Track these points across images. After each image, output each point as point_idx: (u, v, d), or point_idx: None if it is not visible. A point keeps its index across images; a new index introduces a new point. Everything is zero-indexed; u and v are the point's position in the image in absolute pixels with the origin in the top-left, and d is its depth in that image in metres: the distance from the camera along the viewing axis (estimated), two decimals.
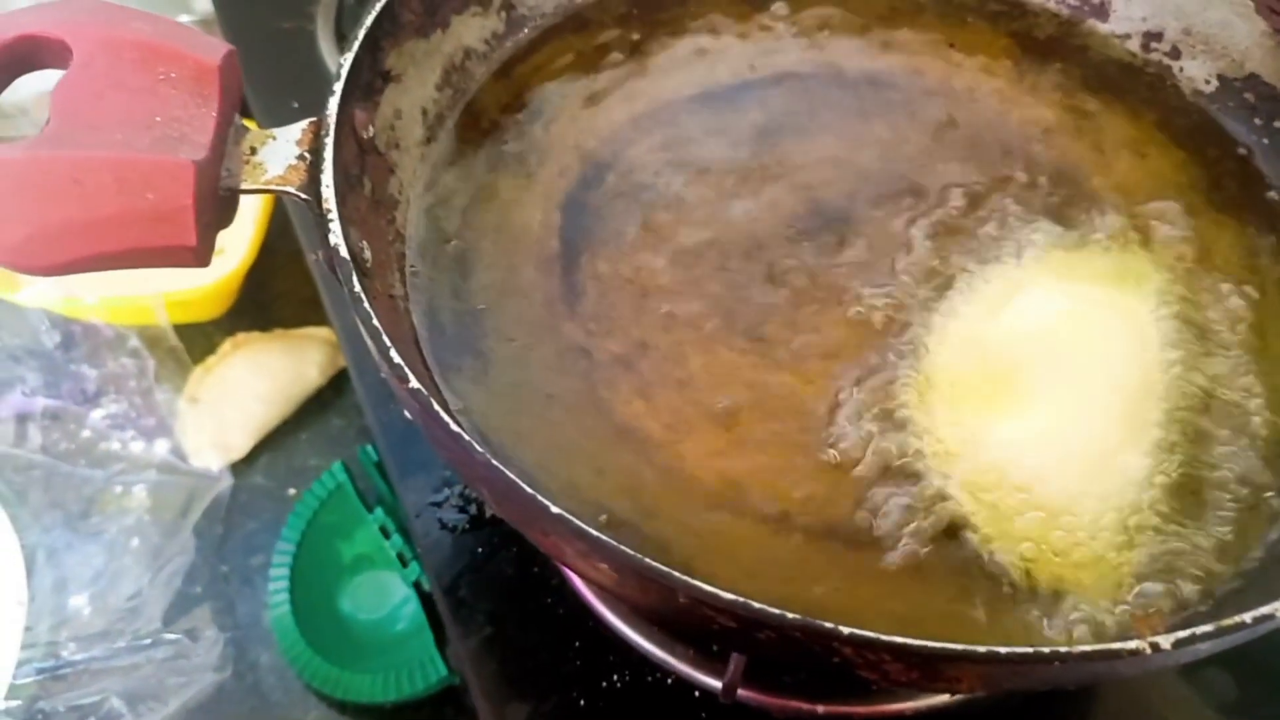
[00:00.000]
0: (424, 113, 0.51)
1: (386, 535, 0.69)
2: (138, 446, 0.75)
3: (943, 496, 0.44)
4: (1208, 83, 0.55)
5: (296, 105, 0.73)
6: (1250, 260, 0.50)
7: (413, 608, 0.66)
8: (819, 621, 0.30)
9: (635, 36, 0.59)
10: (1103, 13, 0.57)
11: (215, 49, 0.41)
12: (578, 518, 0.41)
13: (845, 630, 0.30)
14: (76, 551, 0.70)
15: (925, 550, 0.42)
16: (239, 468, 0.75)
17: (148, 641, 0.66)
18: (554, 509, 0.33)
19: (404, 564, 0.68)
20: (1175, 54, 0.55)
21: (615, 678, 0.51)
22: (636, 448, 0.45)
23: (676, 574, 0.31)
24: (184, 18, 0.94)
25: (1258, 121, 0.53)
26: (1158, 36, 0.56)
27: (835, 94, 0.57)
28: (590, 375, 0.47)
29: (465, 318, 0.47)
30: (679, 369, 0.47)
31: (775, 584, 0.42)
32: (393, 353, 0.35)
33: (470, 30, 0.54)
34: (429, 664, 0.63)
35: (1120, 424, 0.45)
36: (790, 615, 0.31)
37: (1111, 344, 0.48)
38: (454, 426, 0.34)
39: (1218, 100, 0.54)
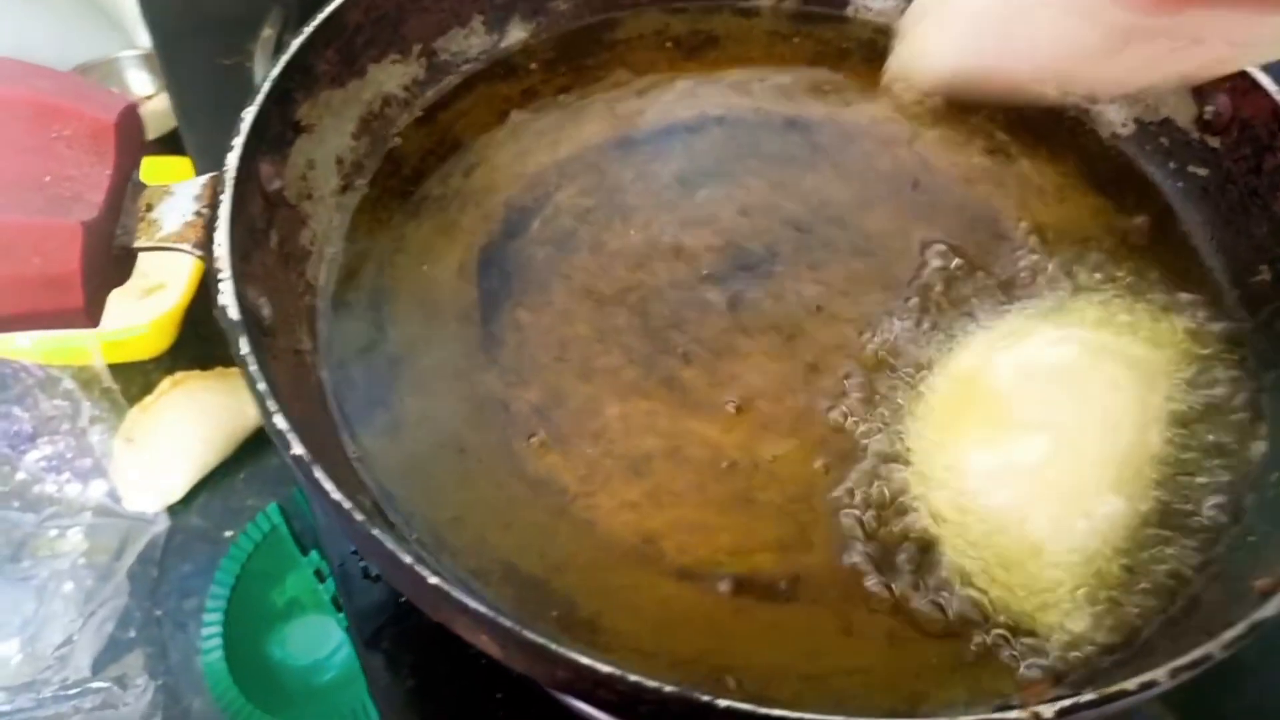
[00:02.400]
0: (339, 162, 0.51)
1: (321, 579, 0.68)
2: (73, 489, 0.74)
3: (896, 532, 0.43)
4: (1124, 126, 0.55)
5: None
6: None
7: (346, 654, 0.65)
8: (693, 693, 0.30)
9: (562, 82, 0.59)
10: None
11: (112, 105, 0.41)
12: (484, 580, 0.41)
13: (722, 703, 0.30)
14: (6, 597, 0.69)
15: (852, 600, 0.42)
16: (175, 509, 0.75)
17: (75, 690, 0.65)
18: (431, 580, 0.32)
19: (338, 608, 0.67)
20: (1092, 99, 0.56)
21: None
22: (550, 501, 0.44)
23: (553, 647, 0.31)
24: (127, 52, 0.94)
25: (1172, 166, 0.53)
26: None
27: (760, 139, 0.57)
28: (505, 427, 0.47)
29: (378, 370, 0.47)
30: (595, 419, 0.47)
31: (685, 642, 0.41)
32: (277, 417, 0.35)
33: (390, 78, 0.54)
34: (361, 713, 0.62)
35: (1100, 470, 0.44)
36: (667, 688, 0.30)
37: (1103, 391, 0.47)
38: (336, 494, 0.33)
39: (1134, 144, 0.55)
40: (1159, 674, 0.31)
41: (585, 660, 0.31)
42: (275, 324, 0.43)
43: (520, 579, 0.41)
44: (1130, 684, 0.31)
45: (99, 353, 0.74)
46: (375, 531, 0.33)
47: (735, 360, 0.49)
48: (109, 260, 0.39)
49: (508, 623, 0.31)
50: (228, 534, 0.74)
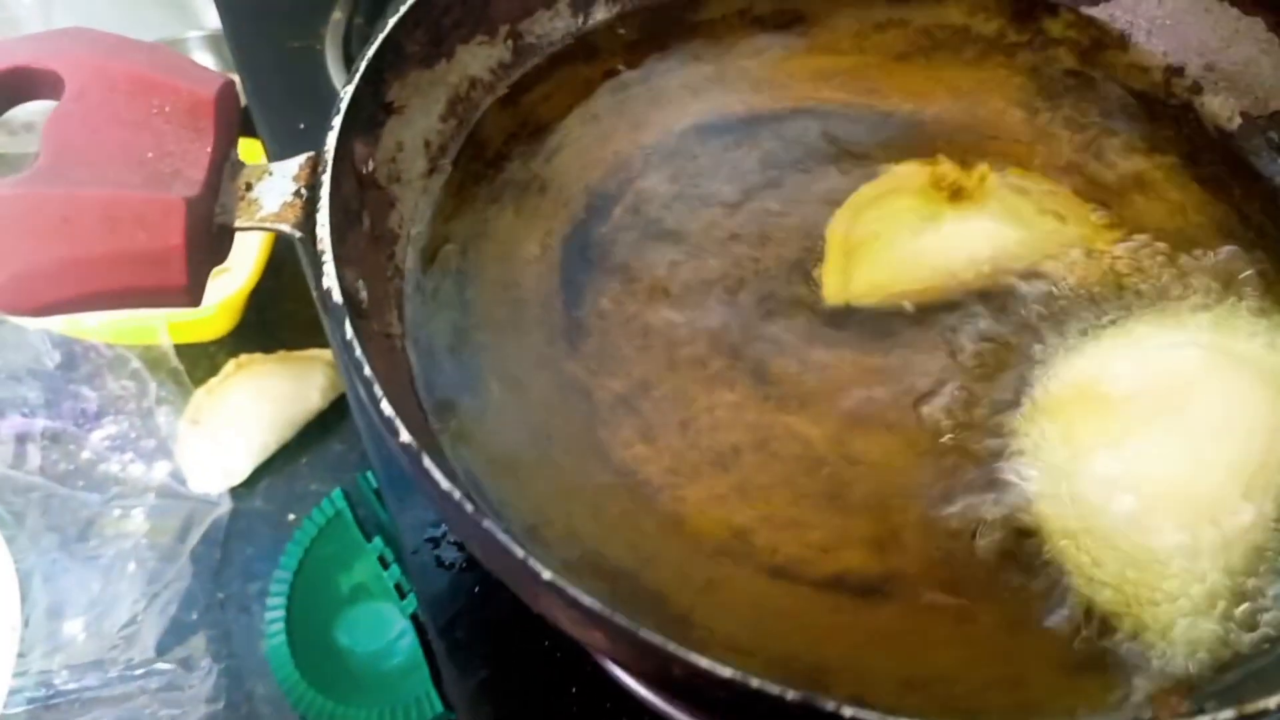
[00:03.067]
0: (427, 144, 0.50)
1: (385, 565, 0.68)
2: (137, 469, 0.74)
3: (999, 526, 0.42)
4: (1230, 120, 0.53)
5: (303, 126, 0.72)
6: None
7: (410, 641, 0.65)
8: (821, 700, 0.29)
9: (645, 64, 0.58)
10: (1123, 45, 0.56)
11: (211, 81, 0.41)
12: (576, 573, 0.41)
13: (847, 712, 0.29)
14: (73, 576, 0.69)
15: (957, 601, 0.41)
16: (239, 492, 0.74)
17: (141, 671, 0.65)
18: (546, 575, 0.31)
19: (402, 595, 0.66)
20: (1197, 89, 0.54)
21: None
22: (636, 493, 0.44)
23: (670, 647, 0.30)
24: (193, 33, 0.94)
25: None
26: (1179, 71, 0.55)
27: (851, 129, 0.56)
28: (590, 416, 0.46)
29: (464, 356, 0.46)
30: (682, 410, 0.46)
31: (780, 641, 0.40)
32: (384, 404, 0.34)
33: (476, 60, 0.53)
34: (425, 701, 0.62)
35: (1228, 477, 0.43)
36: (790, 694, 0.29)
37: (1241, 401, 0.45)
38: (445, 484, 0.33)
39: (1241, 138, 0.53)
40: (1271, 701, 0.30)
41: (704, 663, 0.30)
42: (370, 307, 0.42)
43: (611, 572, 0.41)
44: (1271, 701, 0.29)
45: (166, 333, 0.74)
46: (486, 524, 0.32)
47: (826, 352, 0.47)
48: (209, 238, 0.39)
49: (623, 622, 0.31)
50: (290, 518, 0.74)
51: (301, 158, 0.42)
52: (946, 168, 0.53)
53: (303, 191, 0.41)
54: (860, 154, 0.54)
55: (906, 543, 0.43)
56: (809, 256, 0.51)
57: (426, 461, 0.33)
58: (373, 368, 0.35)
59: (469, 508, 0.32)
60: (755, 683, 0.29)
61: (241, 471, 0.74)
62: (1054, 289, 0.48)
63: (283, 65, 0.77)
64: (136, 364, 0.73)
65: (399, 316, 0.45)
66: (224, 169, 0.40)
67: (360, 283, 0.41)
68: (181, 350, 0.78)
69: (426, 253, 0.48)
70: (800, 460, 0.45)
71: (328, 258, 0.38)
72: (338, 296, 0.37)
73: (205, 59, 0.97)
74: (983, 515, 0.43)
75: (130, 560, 0.71)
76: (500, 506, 0.42)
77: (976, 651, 0.39)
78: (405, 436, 0.34)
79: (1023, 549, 0.42)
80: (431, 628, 0.52)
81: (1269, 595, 0.39)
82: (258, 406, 0.75)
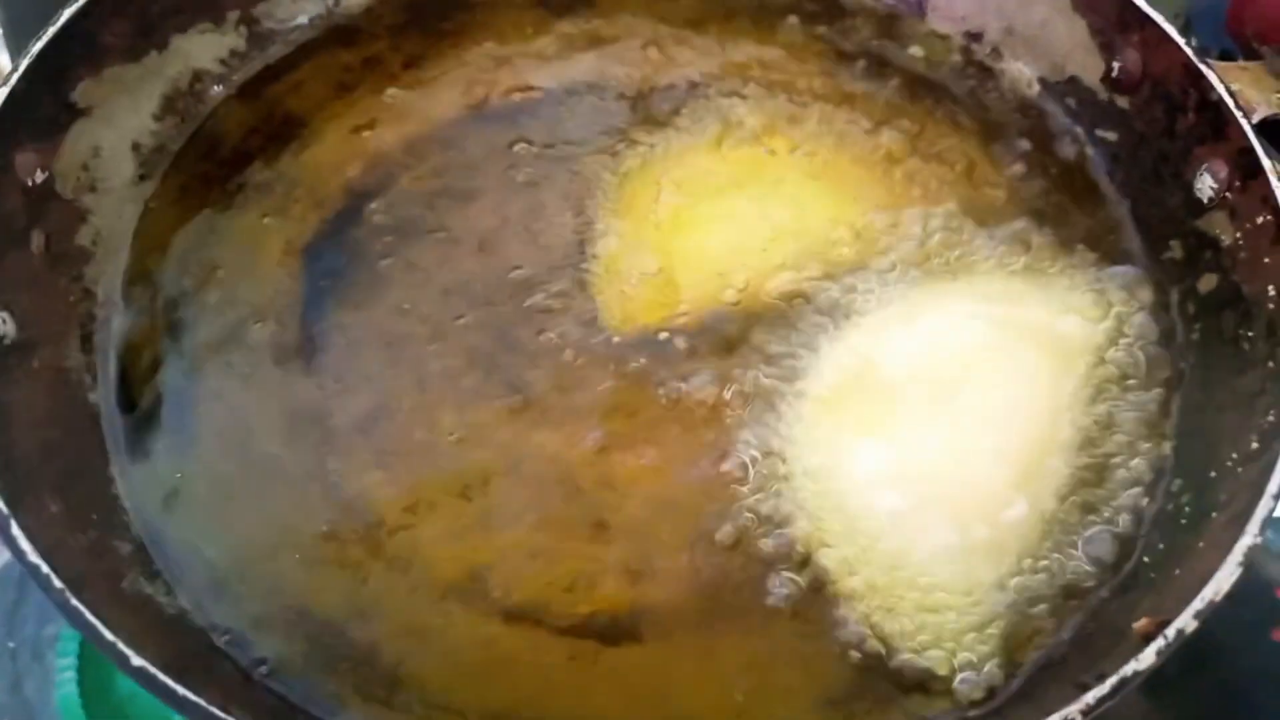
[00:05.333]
0: (136, 147, 0.45)
1: None
2: None
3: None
4: (1030, 86, 0.49)
5: None
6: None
7: None
8: None
9: (412, 49, 0.53)
10: (920, 11, 0.51)
11: None
12: (268, 629, 0.36)
13: None
14: None
15: (711, 633, 0.37)
16: None
17: None
18: (135, 661, 0.26)
19: None
20: (997, 55, 0.50)
21: None
22: (365, 529, 0.40)
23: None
24: None
25: (1080, 129, 0.48)
26: (978, 37, 0.50)
27: (627, 110, 0.51)
28: (322, 444, 0.41)
29: (172, 385, 0.41)
30: (427, 432, 0.42)
31: (503, 693, 0.36)
32: None
33: (200, 49, 0.48)
34: None
35: (1004, 468, 0.40)
36: None
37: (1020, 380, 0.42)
38: (33, 557, 0.28)
39: (1040, 104, 0.49)
40: None
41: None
42: (30, 339, 0.37)
43: (313, 627, 0.36)
44: None
45: None
46: (74, 601, 0.27)
47: (590, 370, 0.43)
48: None
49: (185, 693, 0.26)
50: None
51: None
52: (734, 142, 0.49)
53: None
54: (642, 132, 0.50)
55: (663, 574, 0.39)
56: (578, 260, 0.46)
57: (14, 529, 0.28)
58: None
59: (57, 583, 0.27)
60: None
61: None
62: (842, 273, 0.44)
63: None
64: None
65: (82, 346, 0.40)
66: None
67: (3, 315, 0.36)
68: None
69: (130, 271, 0.43)
70: (556, 484, 0.41)
71: None
72: None
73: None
74: (746, 537, 0.39)
75: None
76: (184, 560, 0.37)
77: (724, 689, 0.35)
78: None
79: (785, 568, 0.38)
80: None
81: (1040, 604, 0.36)
82: None
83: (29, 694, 0.63)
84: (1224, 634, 0.42)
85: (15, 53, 0.69)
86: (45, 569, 0.27)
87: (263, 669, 0.34)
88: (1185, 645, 0.31)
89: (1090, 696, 0.28)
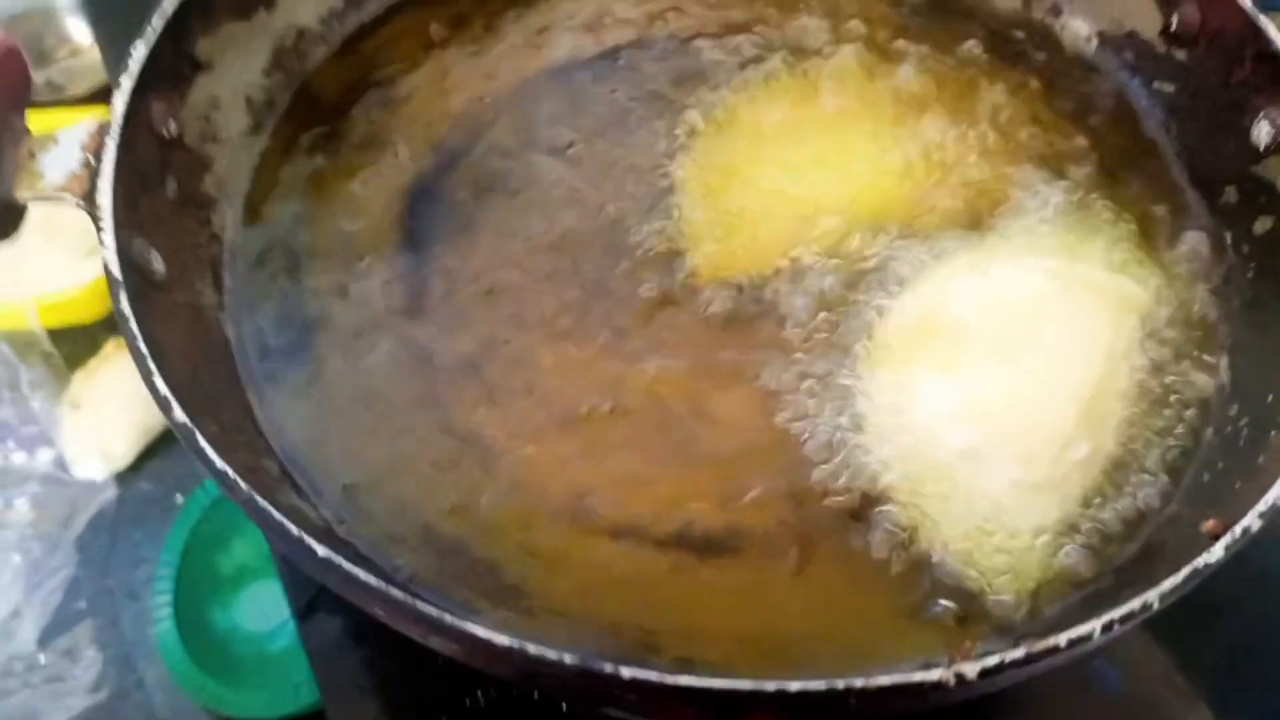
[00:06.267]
0: (249, 100, 0.48)
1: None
2: (19, 458, 0.72)
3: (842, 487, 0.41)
4: (1089, 41, 0.51)
5: None
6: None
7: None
8: (597, 664, 0.27)
9: (496, 5, 0.55)
10: None
11: None
12: (401, 544, 0.39)
13: (626, 673, 0.27)
14: None
15: (798, 554, 0.40)
16: (124, 475, 0.72)
17: (20, 666, 0.63)
18: (321, 552, 0.29)
19: None
20: (1056, 11, 0.52)
21: (480, 694, 0.48)
22: (478, 459, 0.42)
23: (442, 614, 0.28)
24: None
25: (1138, 82, 0.50)
26: None
27: (704, 62, 0.53)
28: (432, 380, 0.44)
29: (293, 323, 0.44)
30: (529, 371, 0.44)
31: (616, 604, 0.39)
32: (157, 380, 0.32)
33: (303, 7, 0.50)
34: (306, 686, 0.60)
35: (1067, 409, 0.41)
36: (568, 659, 0.28)
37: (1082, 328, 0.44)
38: (220, 464, 0.31)
39: (1099, 60, 0.51)
40: (1091, 627, 0.29)
41: (481, 631, 0.28)
42: (170, 277, 0.40)
43: (441, 543, 0.39)
44: (1060, 639, 0.28)
45: (36, 316, 0.71)
46: (259, 500, 0.30)
47: (677, 308, 0.45)
48: None
49: (373, 581, 0.29)
50: (179, 499, 0.71)
51: (91, 123, 0.39)
52: (809, 98, 0.51)
53: (91, 160, 0.38)
54: (724, 87, 0.52)
55: (752, 498, 0.41)
56: (665, 210, 0.48)
57: (201, 441, 0.31)
58: (152, 342, 0.33)
59: (243, 485, 0.30)
60: (533, 649, 0.28)
61: (125, 454, 0.72)
62: (909, 229, 0.47)
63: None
64: (5, 349, 0.71)
65: (214, 285, 0.43)
66: (3, 138, 0.38)
67: (154, 252, 0.39)
68: (61, 334, 0.75)
69: (250, 216, 0.46)
70: (648, 416, 0.43)
71: (105, 227, 0.36)
72: (115, 268, 0.35)
73: (80, 26, 0.92)
74: (829, 467, 0.41)
75: (14, 552, 0.68)
76: (321, 482, 0.40)
77: (812, 604, 0.38)
78: (179, 415, 0.32)
79: (866, 499, 0.41)
80: (293, 608, 0.51)
81: (1096, 535, 0.38)
82: (138, 386, 0.72)
83: (127, 631, 0.67)
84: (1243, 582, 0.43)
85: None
86: (233, 474, 0.30)
87: (402, 576, 0.37)
88: (1243, 553, 0.33)
89: (1166, 584, 0.30)
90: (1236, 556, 0.32)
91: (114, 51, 0.72)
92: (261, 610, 0.65)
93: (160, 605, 0.66)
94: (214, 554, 0.67)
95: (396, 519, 0.39)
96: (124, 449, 0.72)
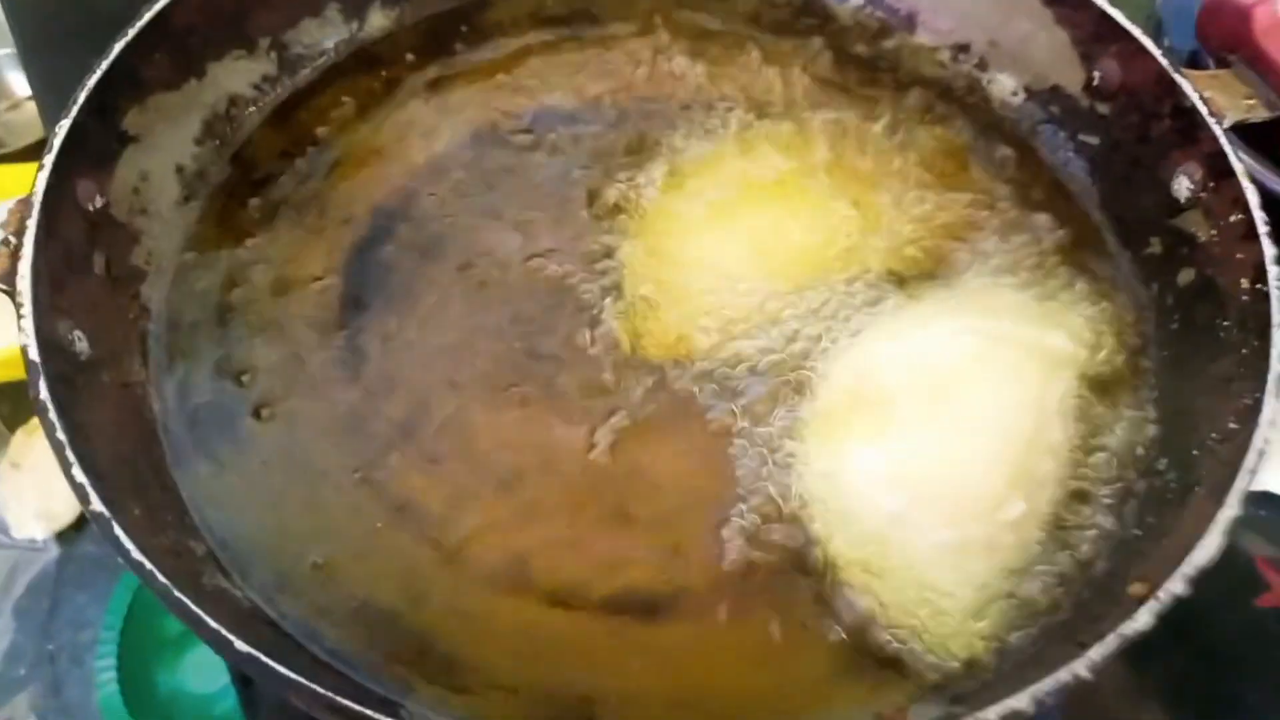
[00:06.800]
0: (179, 170, 0.48)
1: None
2: None
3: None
4: (1015, 95, 0.53)
5: None
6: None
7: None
8: None
9: (431, 72, 0.55)
10: (910, 25, 0.55)
11: None
12: (330, 619, 0.39)
13: None
14: None
15: (737, 613, 0.40)
16: (66, 536, 0.71)
17: None
18: (240, 646, 0.29)
19: None
20: (983, 66, 0.53)
21: None
22: (413, 528, 0.42)
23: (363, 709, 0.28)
24: (4, 51, 0.88)
25: (1063, 135, 0.51)
26: (965, 49, 0.54)
27: (649, 125, 0.54)
28: (366, 448, 0.44)
29: (223, 396, 0.44)
30: (463, 432, 0.44)
31: (552, 671, 0.39)
32: (74, 470, 0.32)
33: (235, 76, 0.50)
34: None
35: (998, 469, 0.42)
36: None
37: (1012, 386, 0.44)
38: (136, 554, 0.30)
39: (1026, 112, 0.52)
40: (1021, 700, 0.29)
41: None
42: (97, 357, 0.39)
43: (372, 616, 0.39)
44: (990, 713, 0.29)
45: None
46: (175, 592, 0.30)
47: (614, 371, 0.46)
48: None
49: (292, 676, 0.29)
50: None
51: (11, 202, 0.39)
52: (735, 160, 0.52)
53: (10, 240, 0.38)
54: (652, 148, 0.52)
55: (691, 557, 0.42)
56: (601, 272, 0.49)
57: (116, 530, 0.31)
58: (71, 430, 0.33)
59: (160, 578, 0.30)
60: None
61: (66, 514, 0.71)
62: (838, 288, 0.47)
63: None
64: None
65: (143, 361, 0.42)
66: None
67: (79, 333, 0.38)
68: (0, 392, 0.74)
69: (180, 286, 0.46)
70: (584, 478, 0.43)
71: (25, 312, 0.35)
72: (33, 354, 0.34)
73: (19, 78, 0.92)
74: (765, 530, 0.42)
75: None
76: (250, 559, 0.39)
77: (747, 665, 0.38)
78: (96, 505, 0.31)
79: (802, 562, 0.41)
80: (231, 677, 0.50)
81: (1027, 594, 0.39)
82: None
83: (69, 697, 0.65)
84: (1209, 603, 0.44)
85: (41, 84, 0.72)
86: (149, 565, 0.30)
87: (330, 656, 0.37)
88: (1173, 611, 0.34)
89: (1094, 653, 0.31)
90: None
91: (53, 105, 0.72)
92: (206, 671, 0.64)
93: (104, 669, 0.65)
94: (158, 615, 0.66)
95: (327, 593, 0.39)
96: (65, 509, 0.71)
